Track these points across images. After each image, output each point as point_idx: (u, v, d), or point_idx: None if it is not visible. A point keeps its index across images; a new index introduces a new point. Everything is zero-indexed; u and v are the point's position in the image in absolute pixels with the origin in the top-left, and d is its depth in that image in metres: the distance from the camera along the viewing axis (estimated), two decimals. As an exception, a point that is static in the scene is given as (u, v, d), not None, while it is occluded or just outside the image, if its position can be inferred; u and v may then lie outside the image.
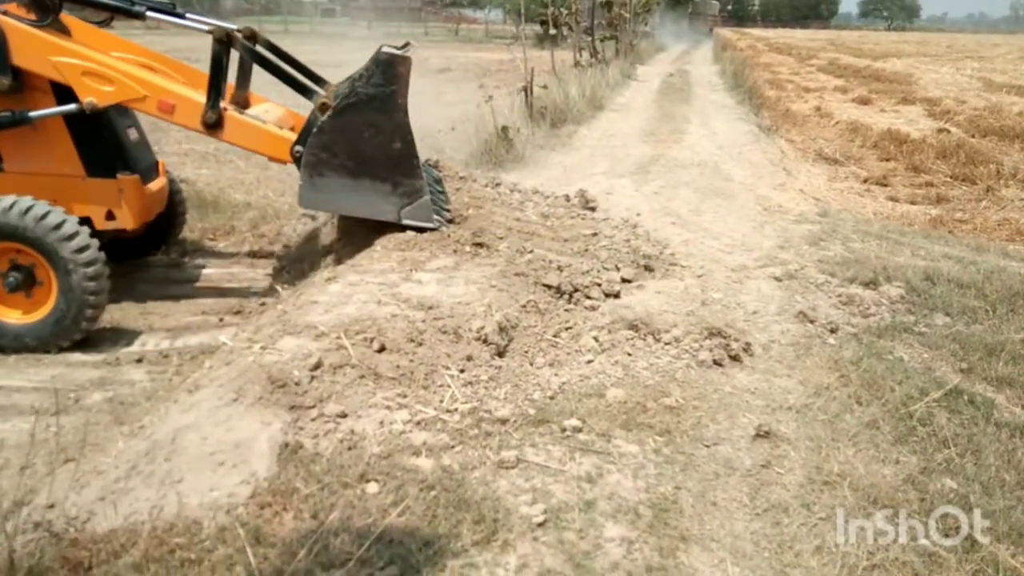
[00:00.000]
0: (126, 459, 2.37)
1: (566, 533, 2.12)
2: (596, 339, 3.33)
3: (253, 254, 5.30)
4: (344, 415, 2.53)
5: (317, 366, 2.72)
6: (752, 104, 13.48)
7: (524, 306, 3.46)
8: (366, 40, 39.03)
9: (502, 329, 3.17)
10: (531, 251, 4.01)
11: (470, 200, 4.73)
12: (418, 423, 2.57)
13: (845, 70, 21.05)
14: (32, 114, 3.94)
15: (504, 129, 8.09)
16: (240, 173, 7.38)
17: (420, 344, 2.96)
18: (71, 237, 3.69)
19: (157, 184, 4.65)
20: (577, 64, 15.12)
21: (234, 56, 4.17)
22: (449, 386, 2.77)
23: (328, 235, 4.94)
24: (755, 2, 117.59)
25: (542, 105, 10.12)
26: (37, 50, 3.84)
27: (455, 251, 3.92)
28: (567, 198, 5.37)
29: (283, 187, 6.89)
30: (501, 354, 3.09)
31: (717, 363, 3.21)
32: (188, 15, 4.43)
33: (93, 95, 3.89)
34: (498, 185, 5.42)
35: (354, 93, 3.83)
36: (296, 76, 4.34)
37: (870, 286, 4.25)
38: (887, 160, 8.59)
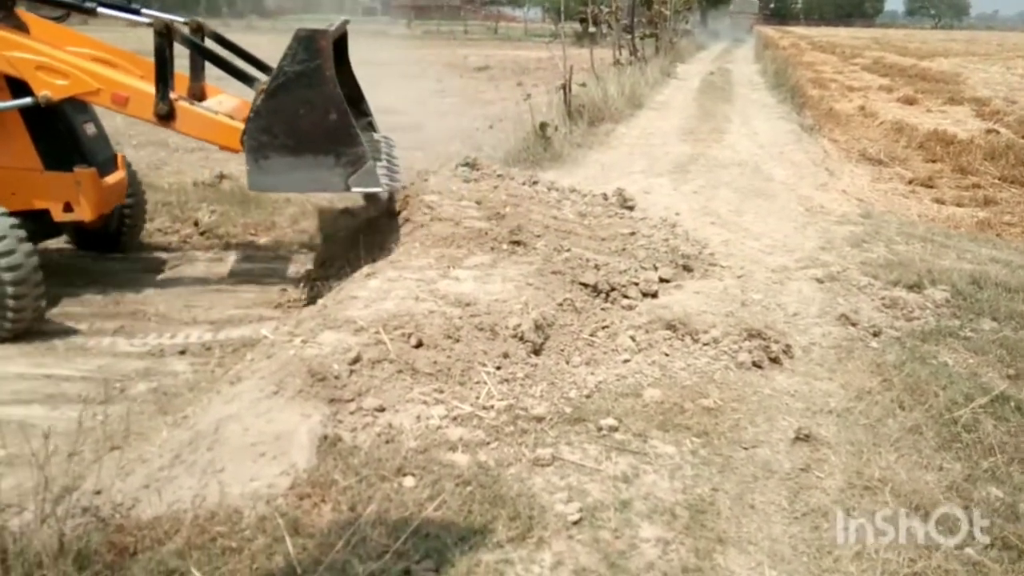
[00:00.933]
0: (170, 448, 2.42)
1: (601, 532, 2.12)
2: (633, 338, 3.31)
3: (293, 249, 5.37)
4: (382, 409, 2.56)
5: (356, 360, 2.75)
6: (794, 103, 13.28)
7: (561, 304, 3.46)
8: (405, 38, 39.34)
9: (538, 327, 3.17)
10: (568, 249, 4.00)
11: (507, 198, 4.74)
12: (454, 419, 2.58)
13: (890, 69, 20.63)
14: None
15: (542, 127, 8.09)
16: (281, 169, 7.48)
17: (457, 340, 2.98)
18: None
19: (115, 177, 4.63)
20: (616, 62, 15.04)
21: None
22: (485, 383, 2.78)
23: (367, 231, 4.98)
24: (798, 0, 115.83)
25: (580, 103, 10.09)
26: None
27: (492, 249, 3.94)
28: (605, 197, 5.35)
29: (323, 184, 6.98)
30: (537, 352, 3.10)
31: (756, 365, 3.17)
32: (143, 11, 4.49)
33: (48, 89, 3.96)
34: (535, 183, 5.42)
35: (281, 73, 3.87)
36: (240, 66, 4.44)
37: (914, 289, 4.16)
38: (933, 161, 8.40)
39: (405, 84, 15.70)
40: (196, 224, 5.74)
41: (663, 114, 11.85)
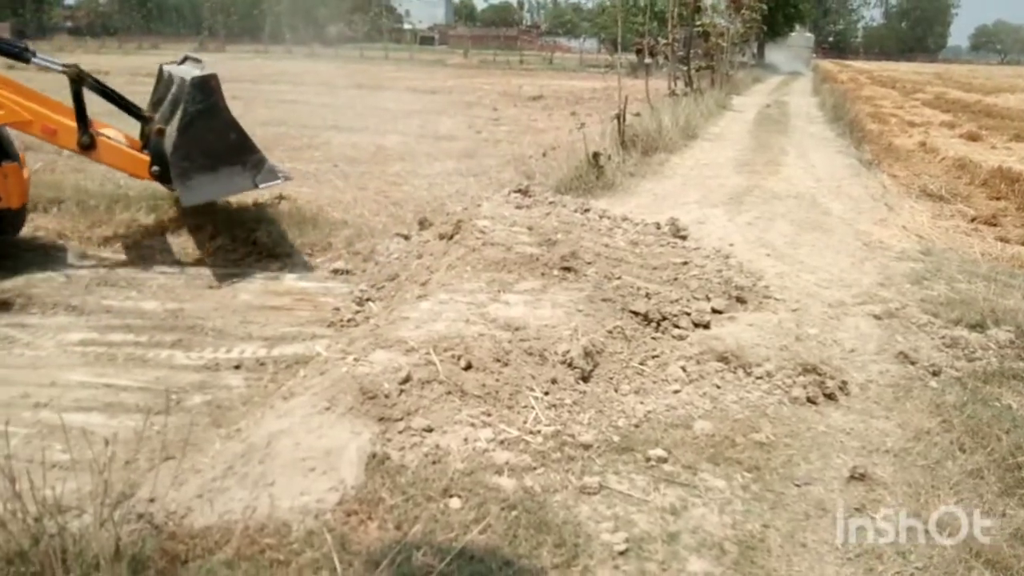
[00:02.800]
0: (223, 460, 2.47)
1: (648, 564, 2.08)
2: (684, 369, 3.28)
3: (348, 270, 5.47)
4: (430, 429, 2.58)
5: (406, 380, 2.78)
6: (853, 137, 13.07)
7: (610, 332, 3.44)
8: (462, 68, 39.98)
9: (587, 354, 3.16)
10: (619, 277, 3.99)
11: (559, 225, 4.76)
12: (501, 442, 2.58)
13: (953, 105, 20.16)
14: None
15: (595, 156, 8.11)
16: (338, 192, 7.65)
17: (506, 364, 2.99)
18: None
19: (27, 172, 5.30)
20: (671, 93, 15.05)
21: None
22: (533, 407, 2.78)
23: (420, 254, 5.05)
24: (858, 34, 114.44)
25: (634, 133, 10.10)
26: None
27: (543, 274, 3.95)
28: (657, 226, 5.33)
29: (378, 207, 7.11)
30: (586, 379, 3.08)
31: (811, 401, 3.11)
32: (37, 55, 5.11)
33: None
34: (587, 211, 5.43)
35: (187, 114, 4.94)
36: (128, 104, 5.56)
37: (976, 329, 4.03)
38: (997, 199, 8.15)
39: (461, 112, 15.95)
40: (255, 243, 5.89)
41: (718, 145, 11.78)
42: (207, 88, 5.01)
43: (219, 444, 2.67)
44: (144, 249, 5.80)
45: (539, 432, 2.65)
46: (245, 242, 5.95)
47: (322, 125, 12.62)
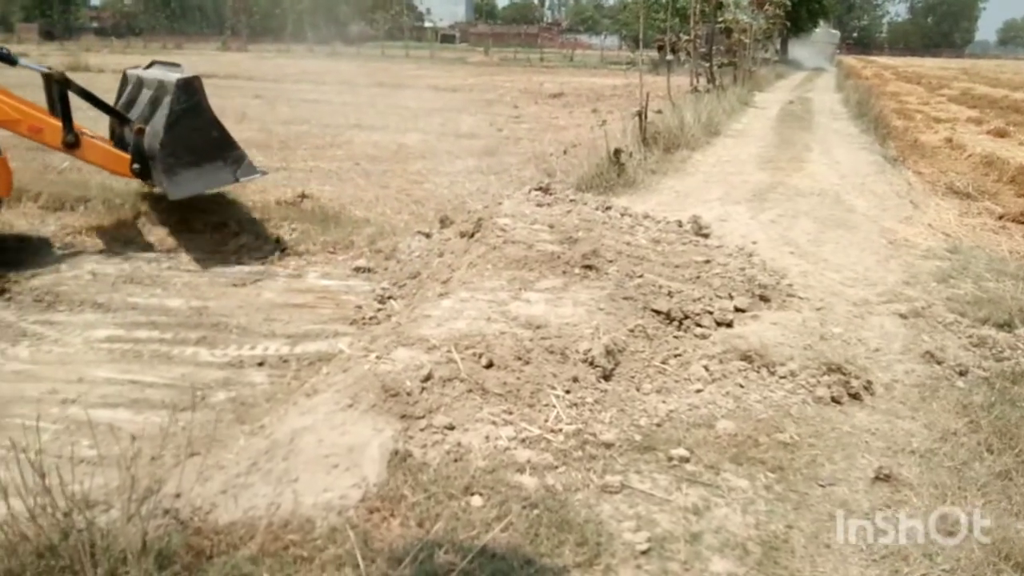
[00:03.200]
0: (247, 456, 2.49)
1: (670, 564, 2.07)
2: (706, 368, 3.26)
3: (370, 268, 5.49)
4: (452, 427, 2.58)
5: (428, 378, 2.79)
6: (877, 134, 12.91)
7: (632, 331, 3.43)
8: (483, 65, 39.93)
9: (609, 352, 3.15)
10: (641, 276, 3.97)
11: (580, 223, 4.75)
12: (523, 440, 2.58)
13: (980, 100, 19.85)
14: None
15: (616, 153, 8.08)
16: (360, 191, 7.69)
17: (527, 362, 2.99)
18: None
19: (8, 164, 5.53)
20: (693, 90, 14.95)
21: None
22: (554, 406, 2.77)
23: (441, 252, 5.06)
24: (882, 29, 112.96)
25: (656, 130, 10.04)
26: None
27: (564, 272, 3.94)
28: (679, 224, 5.30)
29: (399, 205, 7.14)
30: (607, 377, 3.07)
31: (835, 400, 3.07)
32: (21, 60, 5.54)
33: None
34: (608, 209, 5.41)
35: (173, 113, 5.28)
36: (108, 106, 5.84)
37: (1004, 328, 3.96)
38: (1026, 196, 8.01)
39: (482, 109, 15.96)
40: (278, 241, 5.95)
41: (740, 142, 11.69)
42: (191, 89, 5.39)
43: (243, 440, 2.69)
44: (168, 247, 5.86)
45: (560, 431, 2.64)
46: (268, 240, 6.00)
47: (344, 124, 12.68)
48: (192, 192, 5.61)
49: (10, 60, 5.46)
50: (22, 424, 3.15)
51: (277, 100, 16.50)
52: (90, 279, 5.09)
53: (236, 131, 11.19)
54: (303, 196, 7.09)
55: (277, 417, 2.81)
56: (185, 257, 5.65)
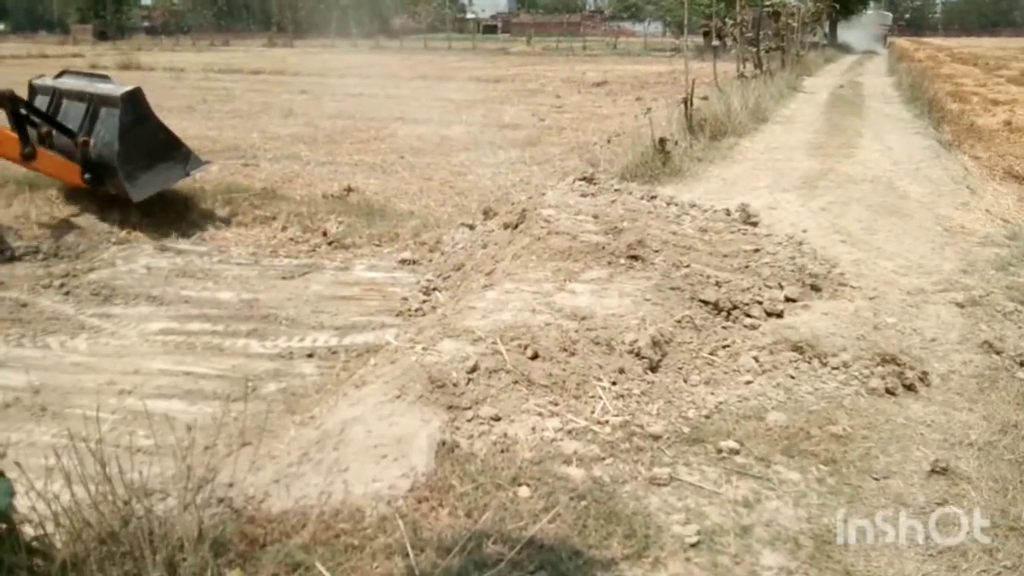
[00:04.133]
0: (298, 446, 2.54)
1: (720, 557, 2.05)
2: (756, 359, 3.20)
3: (415, 260, 5.53)
4: (498, 418, 2.59)
5: (474, 369, 2.80)
6: (932, 118, 12.51)
7: (679, 321, 3.39)
8: (525, 55, 39.80)
9: (656, 343, 3.12)
10: (687, 265, 3.92)
11: (625, 212, 4.70)
12: (569, 432, 2.58)
13: (1043, 80, 19.07)
14: None
15: (661, 141, 7.98)
16: (404, 184, 7.74)
17: (573, 354, 2.98)
18: None
19: None
20: (740, 76, 14.68)
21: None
22: (600, 397, 2.76)
23: (485, 243, 5.07)
24: (936, 9, 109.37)
25: (702, 117, 9.90)
26: None
27: (609, 263, 3.91)
28: (727, 212, 5.21)
29: (443, 197, 7.17)
30: (654, 369, 3.05)
31: (890, 392, 3.00)
32: None
33: None
34: (654, 198, 5.35)
35: (123, 124, 5.79)
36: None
37: (1070, 317, 3.82)
38: (1092, 180, 7.68)
39: (524, 100, 15.92)
40: (325, 234, 6.03)
41: (789, 128, 11.45)
42: (135, 100, 5.95)
43: (294, 431, 2.74)
44: (219, 241, 5.99)
45: (607, 422, 2.63)
46: (315, 233, 6.09)
47: (388, 117, 12.78)
48: (152, 191, 6.06)
49: None
50: (83, 414, 3.26)
51: (322, 95, 16.71)
52: (144, 273, 5.22)
53: (283, 126, 11.39)
54: (349, 189, 7.17)
55: (327, 408, 2.85)
56: (235, 251, 5.77)
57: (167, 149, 6.12)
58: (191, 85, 19.00)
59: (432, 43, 52.24)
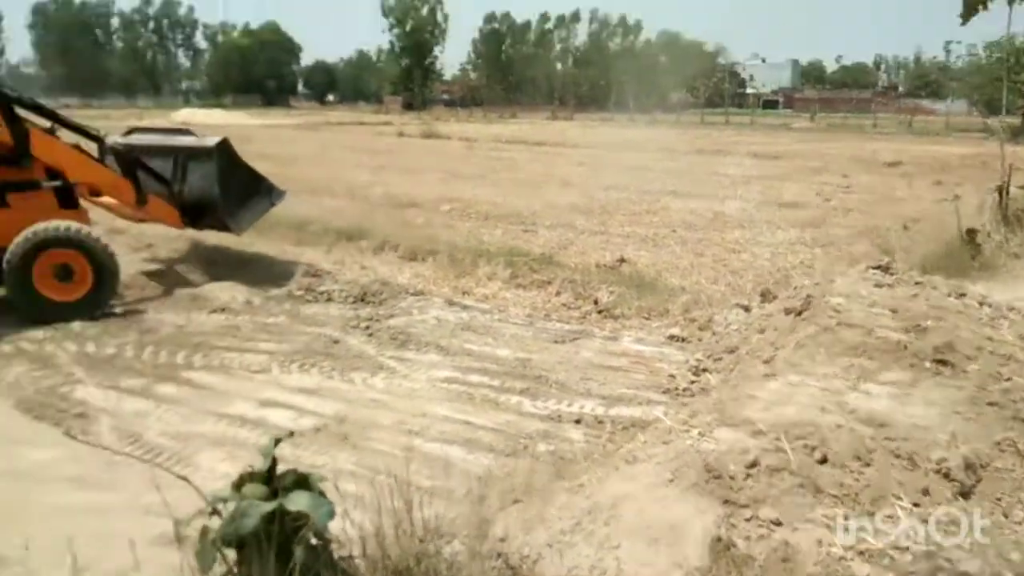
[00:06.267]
0: (570, 514, 2.57)
1: None
2: (1099, 502, 2.69)
3: (683, 337, 5.46)
4: (779, 523, 2.42)
5: (753, 464, 2.66)
6: None
7: (998, 443, 2.96)
8: (808, 132, 38.26)
9: (969, 466, 2.75)
10: (1008, 379, 3.43)
11: (928, 309, 4.25)
12: (861, 553, 2.33)
13: None
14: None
15: (970, 232, 7.17)
16: (676, 258, 7.73)
17: (867, 464, 2.71)
18: None
19: None
20: (1069, 162, 12.79)
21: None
22: (901, 519, 2.47)
23: (762, 328, 4.86)
24: None
25: (1019, 208, 8.75)
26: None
27: (912, 365, 3.54)
28: (1056, 320, 4.51)
29: (715, 275, 7.04)
30: (965, 495, 2.67)
31: None
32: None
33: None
34: (963, 295, 4.77)
35: (219, 171, 6.68)
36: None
37: None
38: None
39: (806, 178, 15.24)
40: (596, 302, 6.18)
41: None
42: (224, 149, 6.77)
43: (564, 497, 2.78)
44: (499, 300, 6.38)
45: (908, 548, 2.34)
46: (587, 300, 6.26)
47: (661, 190, 12.91)
48: (249, 224, 7.04)
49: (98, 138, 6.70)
50: (376, 448, 3.60)
51: (599, 167, 17.35)
52: (435, 324, 5.71)
53: (561, 196, 11.95)
54: (621, 260, 7.31)
55: (596, 478, 2.86)
56: (513, 310, 6.10)
57: (255, 186, 7.01)
58: (482, 155, 20.75)
59: (709, 118, 52.25)
